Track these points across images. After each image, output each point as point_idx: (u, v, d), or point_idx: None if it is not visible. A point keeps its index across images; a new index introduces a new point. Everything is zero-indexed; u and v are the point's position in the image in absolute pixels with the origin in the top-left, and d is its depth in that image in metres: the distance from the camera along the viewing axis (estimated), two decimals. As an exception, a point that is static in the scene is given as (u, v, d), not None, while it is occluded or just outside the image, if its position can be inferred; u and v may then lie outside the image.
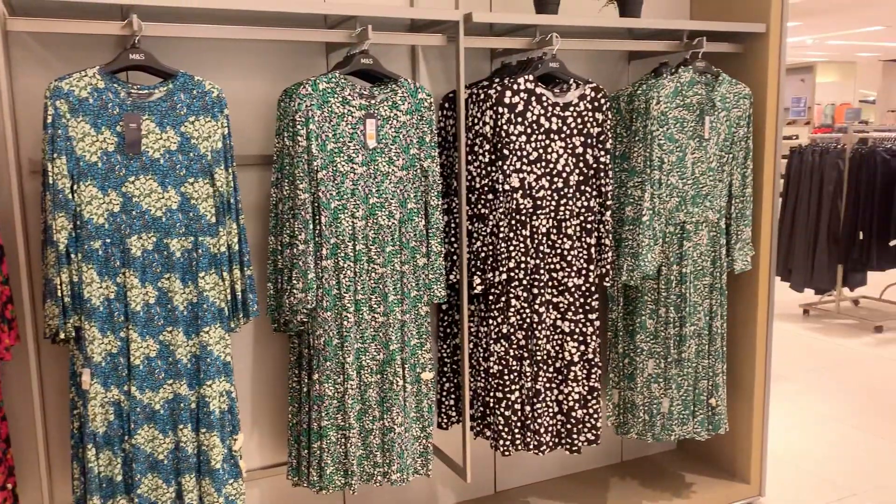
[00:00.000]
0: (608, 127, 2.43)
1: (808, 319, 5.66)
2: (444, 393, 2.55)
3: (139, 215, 1.88)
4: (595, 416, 2.48)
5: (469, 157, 2.35)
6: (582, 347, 2.43)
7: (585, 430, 2.47)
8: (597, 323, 2.44)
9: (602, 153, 2.42)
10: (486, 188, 2.33)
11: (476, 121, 2.33)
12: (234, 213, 1.98)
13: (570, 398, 2.44)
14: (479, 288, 2.37)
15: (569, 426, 2.46)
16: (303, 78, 2.32)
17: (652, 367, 2.64)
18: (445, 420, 2.56)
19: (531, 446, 2.41)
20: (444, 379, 2.55)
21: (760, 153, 2.71)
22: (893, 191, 5.18)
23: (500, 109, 2.27)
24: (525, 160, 2.32)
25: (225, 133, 1.96)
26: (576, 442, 2.46)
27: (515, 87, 2.28)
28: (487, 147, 2.31)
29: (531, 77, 2.31)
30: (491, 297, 2.37)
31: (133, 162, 1.87)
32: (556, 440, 2.47)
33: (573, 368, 2.43)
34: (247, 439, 2.42)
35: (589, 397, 2.46)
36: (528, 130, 2.31)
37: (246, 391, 2.40)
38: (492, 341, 2.37)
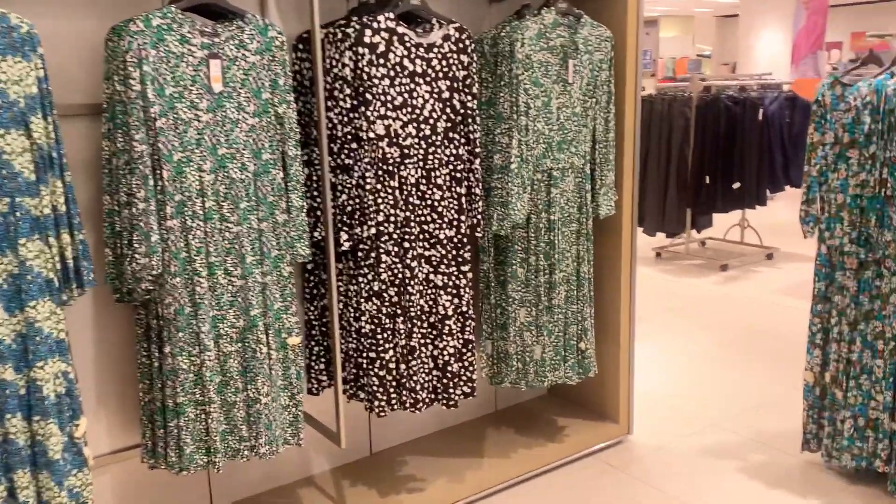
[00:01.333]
0: (474, 70, 2.33)
1: (661, 262, 5.94)
2: (314, 357, 2.40)
3: (-64, 174, 1.59)
4: (471, 368, 2.43)
5: (329, 103, 2.18)
6: (456, 301, 2.36)
7: (461, 383, 2.41)
8: (470, 275, 2.37)
9: (469, 98, 2.32)
10: (349, 137, 2.18)
11: (334, 63, 2.16)
12: (57, 169, 1.71)
13: (445, 353, 2.37)
14: (347, 244, 2.23)
15: (445, 381, 2.39)
16: (134, 14, 2.05)
17: (524, 315, 2.62)
18: (316, 385, 2.42)
19: (407, 405, 2.33)
20: (313, 342, 2.40)
21: (622, 98, 2.71)
22: (736, 137, 5.47)
23: (361, 50, 2.11)
24: (389, 105, 2.18)
25: (41, 76, 1.68)
26: (452, 396, 2.40)
27: (376, 25, 2.12)
28: (348, 91, 2.14)
29: (391, 15, 2.16)
30: (360, 254, 2.24)
31: (-77, 110, 1.57)
32: (433, 396, 2.40)
33: (448, 322, 2.35)
34: (92, 423, 2.17)
35: (464, 350, 2.40)
36: (392, 73, 2.17)
37: (88, 370, 2.14)
38: (363, 300, 2.25)
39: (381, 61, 2.15)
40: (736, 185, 5.48)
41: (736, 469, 2.75)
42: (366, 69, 2.12)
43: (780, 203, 8.01)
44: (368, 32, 2.11)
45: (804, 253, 6.02)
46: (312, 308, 2.38)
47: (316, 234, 2.26)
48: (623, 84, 2.70)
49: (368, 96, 2.14)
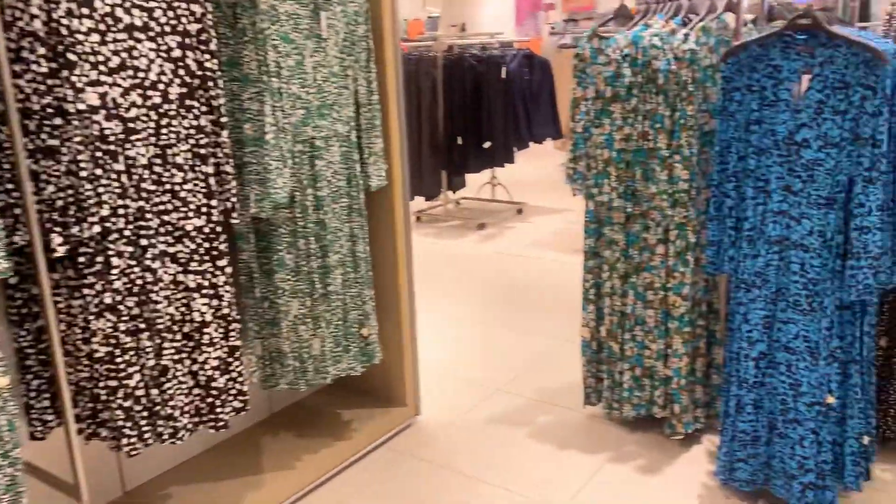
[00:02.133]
0: (209, 23, 1.92)
1: (422, 226, 5.88)
2: (34, 393, 1.88)
3: None
4: (240, 379, 2.06)
5: (16, 68, 1.65)
6: (214, 303, 1.97)
7: (230, 398, 2.05)
8: (228, 270, 2.00)
9: (207, 57, 1.91)
10: (49, 110, 1.67)
11: (19, 14, 1.63)
12: None
13: (206, 366, 1.98)
14: (63, 249, 1.74)
15: (210, 399, 2.01)
16: None
17: (297, 307, 2.30)
18: (40, 427, 1.91)
19: (165, 436, 1.92)
20: (31, 375, 1.88)
21: (382, 56, 2.46)
22: (482, 96, 5.51)
23: (54, -5, 1.61)
24: (103, 68, 1.71)
25: None
26: (221, 416, 2.03)
27: (72, -37, 1.63)
28: (43, 51, 1.64)
29: (94, -49, 1.68)
30: (82, 259, 1.76)
31: None
32: (197, 419, 2.00)
33: (206, 330, 1.96)
34: None
35: (230, 360, 2.03)
36: (102, 27, 1.70)
37: None
38: (92, 317, 1.78)
39: (85, 11, 1.66)
40: (486, 145, 5.54)
41: (526, 434, 2.70)
42: (64, 21, 1.63)
43: (523, 159, 8.38)
44: (62, -28, 1.62)
45: (549, 206, 6.31)
46: (24, 333, 1.85)
47: (17, 238, 1.73)
48: (381, 40, 2.44)
49: (71, 56, 1.65)
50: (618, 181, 2.45)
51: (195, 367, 1.97)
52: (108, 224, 1.75)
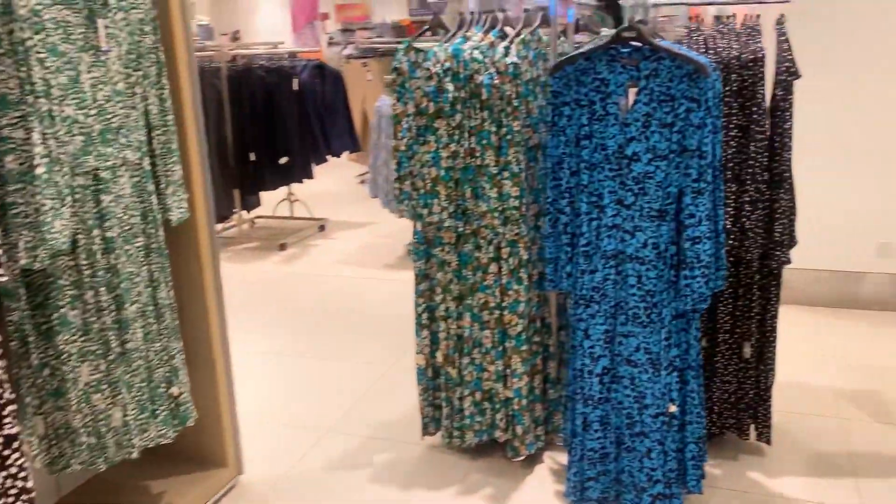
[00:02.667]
0: (-52, 31, 1.50)
1: (216, 250, 5.42)
2: None
3: None
4: (22, 474, 1.65)
5: None
6: (-20, 385, 1.55)
7: (12, 499, 1.63)
8: (-4, 341, 1.58)
9: (-53, 74, 1.50)
10: None
11: None
12: None
13: (-25, 466, 1.55)
14: None
15: (-18, 507, 1.58)
16: None
17: (88, 372, 1.91)
18: None
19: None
20: None
21: (175, 69, 2.13)
22: (274, 109, 5.19)
23: None
24: None
25: None
26: (-1, 525, 1.60)
27: None
28: None
29: None
30: None
31: None
32: (-35, 536, 1.57)
33: (-29, 422, 1.53)
34: None
35: (7, 452, 1.61)
36: None
37: None
38: None
39: None
40: (283, 160, 5.23)
41: (366, 479, 2.49)
42: None
43: (321, 172, 8.11)
44: None
45: (353, 220, 6.12)
46: None
47: None
48: (173, 52, 2.11)
49: None
50: (448, 200, 2.33)
51: (-42, 471, 1.53)
52: None
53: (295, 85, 5.27)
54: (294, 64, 5.50)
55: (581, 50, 2.01)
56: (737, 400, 2.49)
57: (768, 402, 2.48)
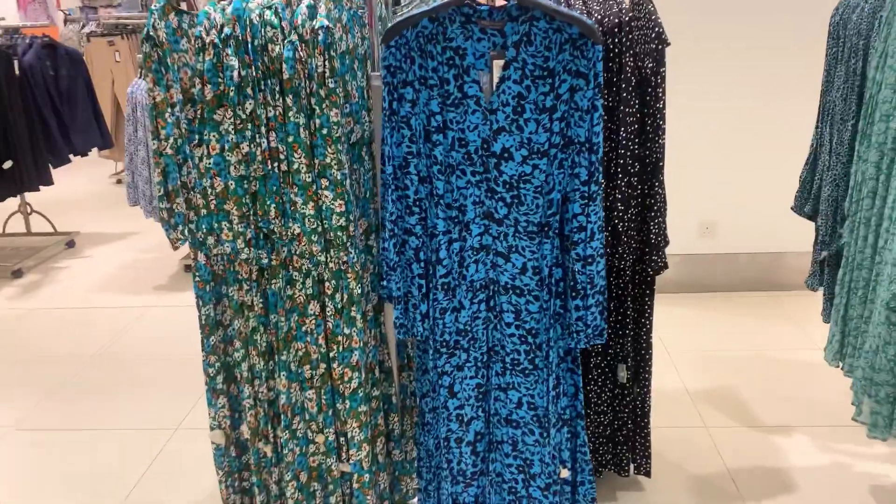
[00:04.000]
0: None
1: (-78, 285, 4.17)
2: None
3: None
4: None
5: None
6: None
7: None
8: None
9: None
10: None
11: None
12: None
13: None
14: None
15: None
16: None
17: None
18: None
19: None
20: None
21: None
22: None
23: None
24: None
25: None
26: None
27: None
28: None
29: None
30: None
31: None
32: None
33: None
34: None
35: None
36: None
37: None
38: None
39: None
40: (7, 165, 4.12)
41: None
42: None
43: (64, 176, 6.79)
44: None
45: (109, 231, 5.09)
46: None
47: None
48: None
49: None
50: (243, 222, 1.67)
51: None
52: None
53: (15, 68, 4.16)
54: (13, 42, 4.36)
55: (423, 8, 1.44)
56: (612, 432, 2.11)
57: (646, 429, 2.12)
